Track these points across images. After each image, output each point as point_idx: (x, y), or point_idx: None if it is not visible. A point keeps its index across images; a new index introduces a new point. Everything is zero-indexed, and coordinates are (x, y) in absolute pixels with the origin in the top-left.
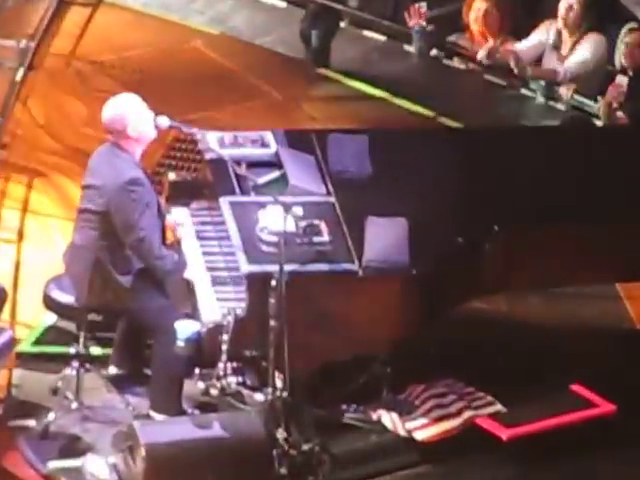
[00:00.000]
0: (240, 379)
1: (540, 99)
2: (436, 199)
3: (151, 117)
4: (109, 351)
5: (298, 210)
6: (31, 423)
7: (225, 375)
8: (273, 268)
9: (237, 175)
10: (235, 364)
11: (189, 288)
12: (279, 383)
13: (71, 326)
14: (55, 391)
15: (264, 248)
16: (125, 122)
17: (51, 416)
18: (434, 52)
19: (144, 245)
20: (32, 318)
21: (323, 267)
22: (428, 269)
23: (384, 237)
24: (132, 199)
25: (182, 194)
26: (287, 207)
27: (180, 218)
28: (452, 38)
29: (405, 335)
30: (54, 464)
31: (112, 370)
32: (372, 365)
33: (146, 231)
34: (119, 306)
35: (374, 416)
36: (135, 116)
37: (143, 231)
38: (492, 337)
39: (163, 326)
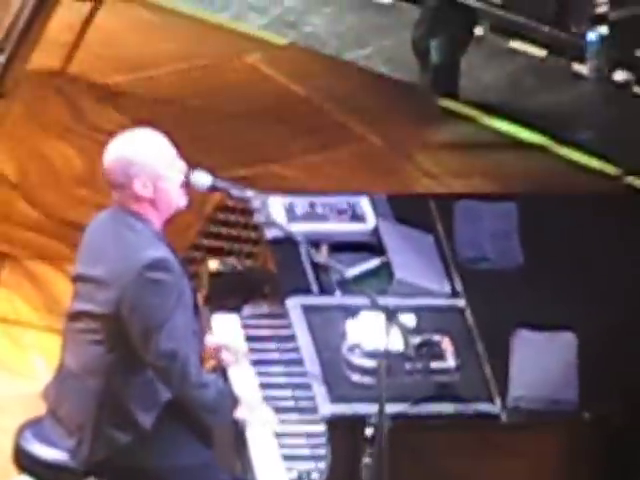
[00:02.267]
0: None
1: None
2: (625, 304)
3: (181, 170)
4: None
5: (409, 319)
6: None
7: None
8: (368, 409)
9: (314, 264)
10: None
11: (239, 438)
12: None
13: None
14: None
15: (355, 378)
16: (132, 172)
17: None
18: (620, 74)
19: (176, 364)
20: None
21: (446, 408)
22: (613, 410)
23: (541, 362)
24: (155, 292)
25: (229, 292)
26: (391, 314)
27: (226, 331)
28: None
29: None
30: None
31: None
32: None
33: (178, 341)
34: (137, 463)
35: None
36: (151, 164)
37: (174, 341)
38: None
39: None
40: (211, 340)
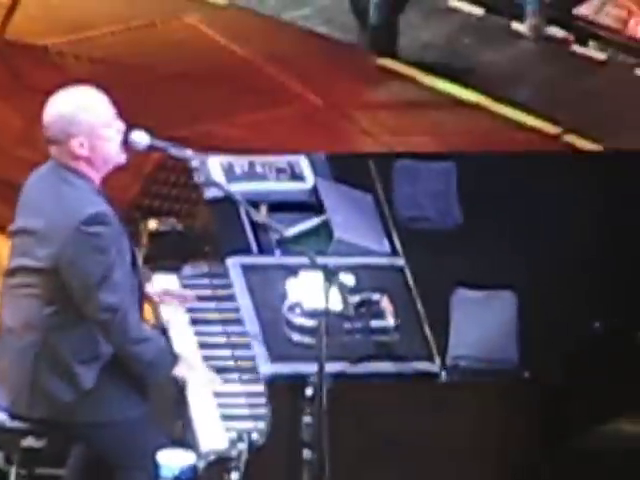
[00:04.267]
0: None
1: None
2: (561, 262)
3: (120, 130)
4: None
5: (348, 278)
6: None
7: None
8: (308, 368)
9: (253, 223)
10: None
11: (179, 397)
12: None
13: None
14: None
15: (295, 337)
16: (70, 130)
17: None
18: (556, 32)
19: (116, 318)
20: None
21: (386, 367)
22: (550, 371)
23: (480, 321)
24: (94, 246)
25: (169, 252)
26: (331, 274)
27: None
28: (584, 10)
29: (507, 476)
30: None
31: None
32: None
33: (118, 295)
34: (75, 419)
35: None
36: (89, 123)
37: (114, 295)
38: None
39: (139, 456)
40: (153, 289)
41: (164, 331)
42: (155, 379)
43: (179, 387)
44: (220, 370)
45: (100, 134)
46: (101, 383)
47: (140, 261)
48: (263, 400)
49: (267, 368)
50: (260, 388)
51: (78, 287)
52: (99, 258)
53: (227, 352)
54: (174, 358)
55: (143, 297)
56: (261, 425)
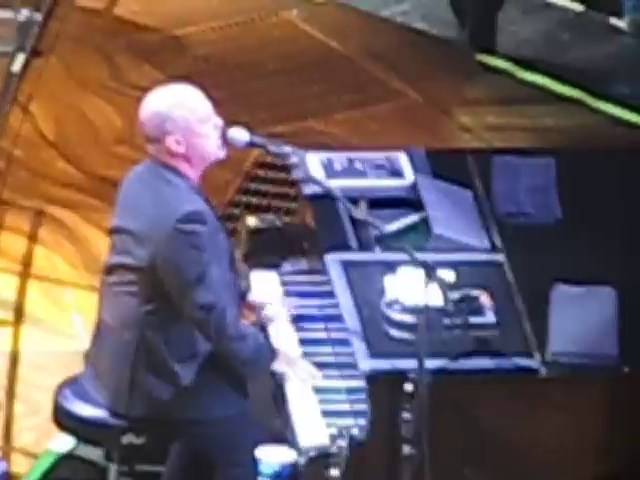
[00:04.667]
0: None
1: None
2: None
3: (217, 126)
4: None
5: (447, 274)
6: None
7: None
8: (408, 364)
9: (353, 220)
10: None
11: (278, 393)
12: None
13: (97, 454)
14: None
15: (394, 334)
16: (166, 127)
17: None
18: None
19: (213, 316)
20: (36, 442)
21: (485, 363)
22: None
23: (581, 317)
24: (190, 244)
25: (268, 249)
26: (430, 270)
27: (265, 290)
28: None
29: (613, 472)
30: None
31: None
32: None
33: (215, 293)
34: (174, 416)
35: None
36: (185, 119)
37: (210, 293)
38: None
39: (239, 454)
40: (251, 298)
41: (263, 328)
42: (254, 375)
43: (278, 383)
44: (320, 366)
45: (196, 130)
46: (199, 380)
47: (239, 259)
48: (363, 396)
49: (367, 364)
50: (360, 384)
51: (174, 285)
52: (195, 256)
53: (327, 348)
54: (273, 354)
55: (241, 295)
56: (361, 421)
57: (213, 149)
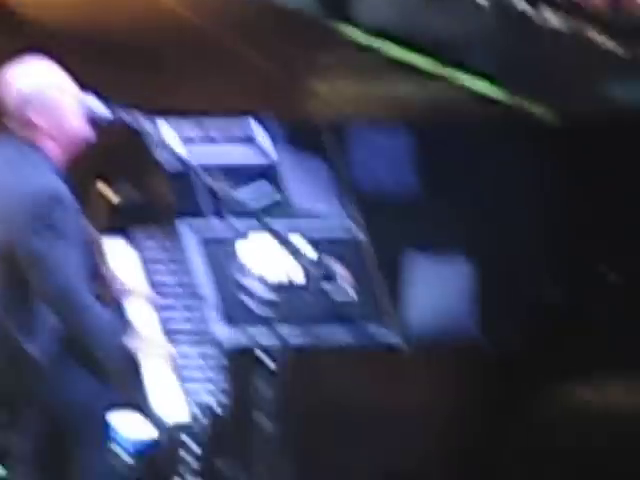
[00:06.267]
0: None
1: None
2: (521, 230)
3: (73, 93)
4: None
5: (304, 245)
6: None
7: None
8: (267, 339)
9: (207, 188)
10: None
11: (134, 368)
12: None
13: None
14: None
15: (253, 307)
16: (27, 101)
17: None
18: (519, 3)
19: (67, 296)
20: None
21: (345, 338)
22: (509, 339)
23: (437, 289)
24: (47, 226)
25: (123, 217)
26: (286, 240)
27: (119, 259)
28: None
29: (468, 440)
30: None
31: None
32: None
33: (70, 276)
34: (27, 394)
35: None
36: (45, 90)
37: (66, 276)
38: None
39: (95, 428)
40: (107, 270)
41: (118, 302)
42: (109, 353)
43: (132, 358)
44: (176, 340)
45: (56, 102)
46: (53, 359)
47: (94, 228)
48: (221, 370)
49: (224, 337)
50: (218, 360)
51: (28, 265)
52: (52, 240)
53: (183, 319)
54: (124, 329)
55: (97, 272)
56: (221, 395)
57: (77, 124)
